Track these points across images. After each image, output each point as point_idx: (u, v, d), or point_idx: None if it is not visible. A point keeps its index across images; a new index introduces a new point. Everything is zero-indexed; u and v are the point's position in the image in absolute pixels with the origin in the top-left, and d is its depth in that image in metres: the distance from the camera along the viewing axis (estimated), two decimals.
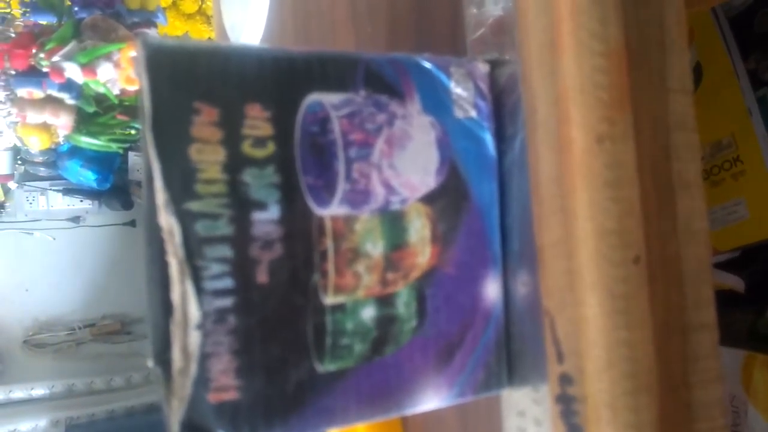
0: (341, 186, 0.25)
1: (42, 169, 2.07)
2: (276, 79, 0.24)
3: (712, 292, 0.27)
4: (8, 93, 0.88)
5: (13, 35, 0.88)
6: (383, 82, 0.27)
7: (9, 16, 1.15)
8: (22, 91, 0.87)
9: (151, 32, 1.07)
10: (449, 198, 0.27)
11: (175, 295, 0.23)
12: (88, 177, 2.01)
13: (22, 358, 2.21)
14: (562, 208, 0.24)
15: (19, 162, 1.95)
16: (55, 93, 0.87)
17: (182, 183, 0.23)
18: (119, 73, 0.88)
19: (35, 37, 0.88)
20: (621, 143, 0.23)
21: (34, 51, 0.86)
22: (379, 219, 0.26)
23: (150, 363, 0.28)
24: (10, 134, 0.97)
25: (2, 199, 2.18)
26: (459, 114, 0.28)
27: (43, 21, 1.13)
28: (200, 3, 1.65)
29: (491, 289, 0.28)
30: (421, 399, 0.27)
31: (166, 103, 0.23)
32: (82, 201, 2.27)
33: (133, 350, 2.31)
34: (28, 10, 1.12)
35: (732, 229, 0.68)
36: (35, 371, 2.19)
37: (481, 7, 0.31)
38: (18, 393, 2.13)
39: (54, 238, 2.28)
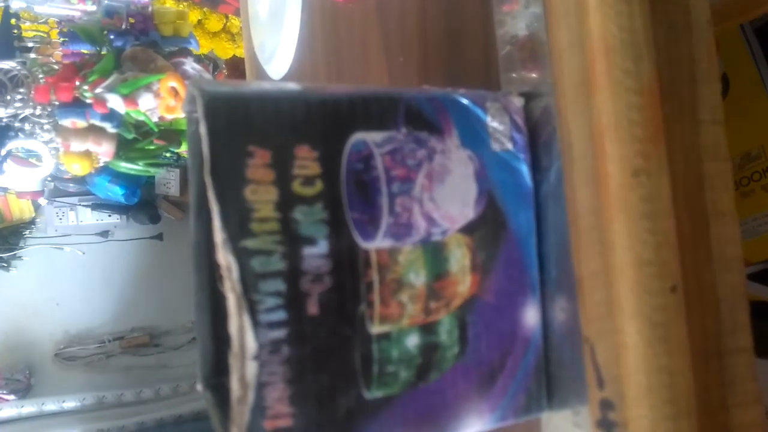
0: (385, 220, 0.27)
1: (71, 185, 2.12)
2: (323, 121, 0.26)
3: (747, 317, 0.27)
4: (52, 122, 0.91)
5: (56, 67, 0.91)
6: (423, 119, 0.28)
7: (46, 37, 1.18)
8: (66, 121, 0.90)
9: (188, 62, 1.10)
10: (488, 228, 0.28)
11: (233, 328, 0.24)
12: (116, 192, 2.05)
13: (54, 372, 2.25)
14: (600, 240, 0.25)
15: (49, 179, 1.99)
16: (97, 122, 0.90)
17: (239, 222, 0.24)
18: (159, 103, 0.91)
19: (78, 68, 0.91)
20: (656, 176, 0.24)
21: (77, 83, 0.89)
22: (421, 250, 0.27)
23: (199, 387, 0.29)
24: (52, 162, 1.00)
25: (33, 215, 2.23)
26: (496, 147, 0.29)
27: (81, 50, 1.16)
28: (225, 21, 1.67)
29: (530, 316, 0.29)
30: (464, 423, 0.28)
31: (223, 148, 0.24)
32: (110, 216, 2.31)
33: (162, 362, 2.34)
34: (66, 39, 1.16)
35: (763, 240, 0.68)
36: (66, 384, 2.22)
37: (503, 26, 0.32)
38: (50, 405, 2.16)
39: (83, 253, 2.32)
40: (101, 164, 1.00)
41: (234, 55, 1.82)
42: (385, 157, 0.27)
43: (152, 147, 1.02)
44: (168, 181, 2.18)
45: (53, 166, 1.06)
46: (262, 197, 0.24)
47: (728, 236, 0.27)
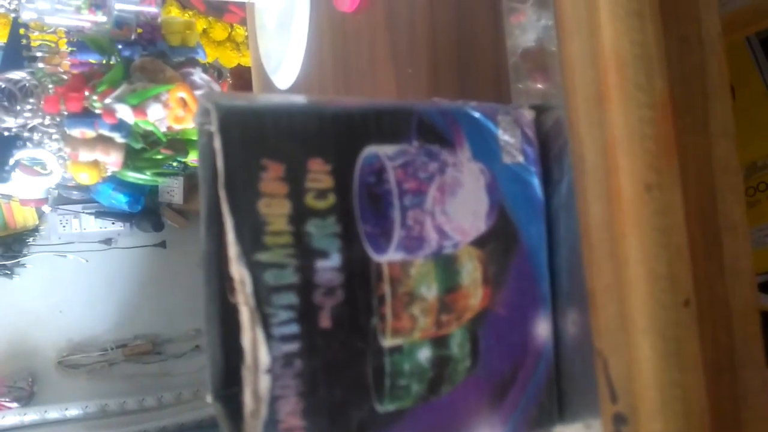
0: (397, 233, 0.27)
1: (75, 192, 2.12)
2: (336, 135, 0.26)
3: (758, 330, 0.27)
4: (61, 132, 0.91)
5: (65, 77, 0.92)
6: (435, 132, 0.28)
7: (54, 46, 1.19)
8: (75, 131, 0.90)
9: (196, 72, 1.11)
10: (499, 241, 0.28)
11: (246, 341, 0.24)
12: (119, 200, 2.05)
13: (57, 379, 2.24)
14: (612, 253, 0.25)
15: (53, 187, 2.00)
16: (106, 132, 0.91)
17: (253, 236, 0.24)
18: (168, 113, 0.92)
19: (86, 79, 0.92)
20: (669, 191, 0.24)
21: (86, 93, 0.90)
22: (433, 263, 0.27)
23: (209, 399, 0.29)
24: (60, 171, 1.01)
25: (37, 222, 2.23)
26: (507, 160, 0.29)
27: (89, 59, 1.17)
28: (230, 30, 1.68)
29: (541, 329, 0.29)
30: None
31: (237, 161, 0.24)
32: (114, 223, 2.31)
33: (165, 370, 2.34)
34: (75, 49, 1.16)
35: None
36: (69, 392, 2.22)
37: (513, 38, 0.33)
38: (53, 413, 2.16)
39: (87, 260, 2.32)
40: (109, 173, 1.01)
41: (239, 63, 1.83)
42: (397, 170, 0.27)
43: (160, 156, 1.02)
44: (171, 189, 2.19)
45: (61, 176, 1.06)
46: (275, 210, 0.24)
47: (740, 249, 0.27)
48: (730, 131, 0.28)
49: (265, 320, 0.24)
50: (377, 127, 0.27)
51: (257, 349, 0.24)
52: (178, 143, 1.00)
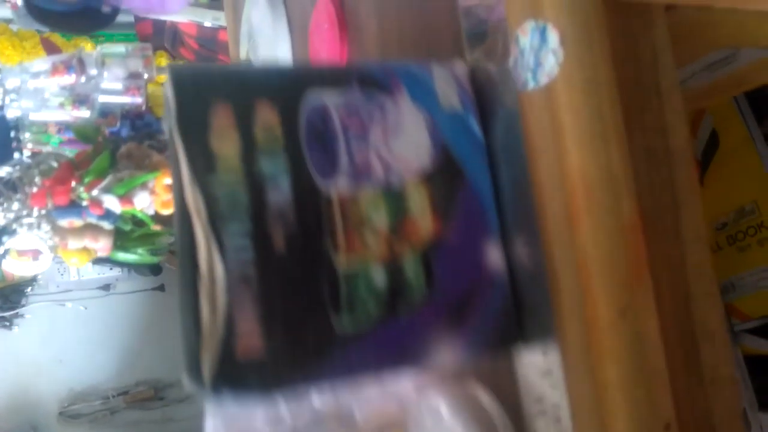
0: (343, 164, 0.29)
1: None
2: (280, 81, 0.29)
3: None
4: (49, 223, 0.92)
5: (54, 165, 0.93)
6: (374, 82, 0.30)
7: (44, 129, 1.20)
8: (63, 222, 0.91)
9: None
10: (444, 175, 0.30)
11: (202, 261, 0.26)
12: None
13: (59, 430, 2.22)
14: (593, 379, 0.25)
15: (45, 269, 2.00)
16: (94, 221, 0.91)
17: (205, 166, 0.26)
18: (154, 199, 0.92)
19: (74, 166, 0.93)
20: (643, 312, 0.24)
21: (74, 184, 0.90)
22: (382, 193, 0.29)
23: (184, 380, 0.29)
24: (50, 257, 1.02)
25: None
26: (445, 106, 0.31)
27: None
28: None
29: (493, 257, 0.30)
30: (438, 356, 0.29)
31: (188, 103, 0.27)
32: (111, 269, 2.31)
33: (167, 416, 2.32)
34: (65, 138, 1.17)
35: (762, 295, 0.68)
36: None
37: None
38: None
39: (85, 308, 2.31)
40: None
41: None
42: (340, 111, 0.29)
43: (151, 232, 1.03)
44: None
45: (51, 261, 1.07)
46: (225, 145, 0.27)
47: (719, 356, 0.27)
48: (702, 237, 0.28)
49: (219, 241, 0.26)
50: (319, 76, 0.30)
51: (213, 266, 0.25)
52: (167, 218, 1.01)
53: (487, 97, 0.32)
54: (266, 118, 0.28)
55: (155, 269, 2.35)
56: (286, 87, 0.29)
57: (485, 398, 0.30)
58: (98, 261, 2.33)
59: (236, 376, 0.25)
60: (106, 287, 2.41)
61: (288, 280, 0.27)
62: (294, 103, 0.28)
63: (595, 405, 0.25)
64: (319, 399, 0.32)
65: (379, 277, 0.28)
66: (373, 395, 0.32)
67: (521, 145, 0.28)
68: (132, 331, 2.40)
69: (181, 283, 0.28)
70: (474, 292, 0.30)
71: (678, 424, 0.24)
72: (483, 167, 0.31)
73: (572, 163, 0.25)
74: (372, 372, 0.28)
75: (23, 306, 2.28)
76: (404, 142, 0.30)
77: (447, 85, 0.31)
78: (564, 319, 0.26)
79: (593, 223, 0.25)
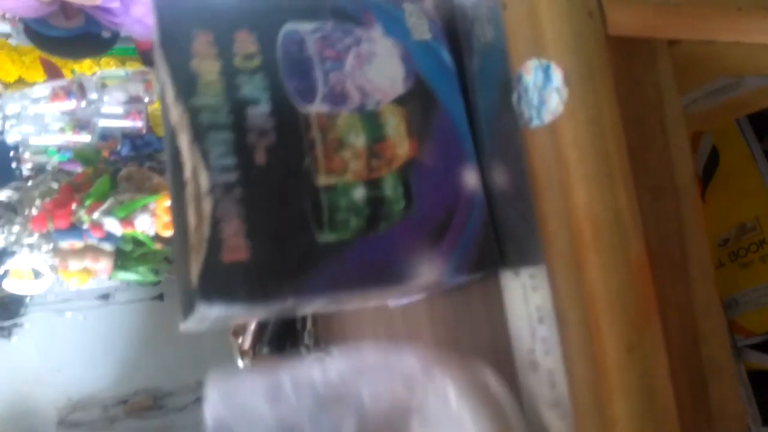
0: (320, 88, 0.30)
1: None
2: (258, 11, 0.31)
3: None
4: (50, 245, 0.93)
5: (54, 186, 0.93)
6: (347, 15, 0.32)
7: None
8: (64, 244, 0.91)
9: None
10: (418, 101, 0.32)
11: (187, 172, 0.27)
12: None
13: None
14: (601, 414, 0.25)
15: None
16: (95, 243, 0.92)
17: (187, 84, 0.28)
18: (155, 221, 0.93)
19: (74, 189, 0.93)
20: (651, 350, 0.24)
21: (74, 206, 0.91)
22: (358, 116, 0.31)
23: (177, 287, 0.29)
24: (51, 277, 1.02)
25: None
26: (416, 36, 0.33)
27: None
28: None
29: (469, 179, 0.32)
30: (417, 272, 0.30)
31: (170, 28, 0.29)
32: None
33: (167, 424, 2.31)
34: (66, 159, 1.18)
35: (766, 310, 0.68)
36: None
37: None
38: None
39: (84, 317, 2.30)
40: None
41: None
42: (316, 41, 0.31)
43: (151, 252, 1.03)
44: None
45: (51, 281, 1.07)
46: (206, 67, 0.29)
47: (727, 393, 0.27)
48: (709, 274, 0.28)
49: (203, 152, 0.27)
50: (294, 7, 0.31)
51: (198, 175, 0.27)
52: (168, 238, 1.01)
53: (461, 31, 0.33)
54: (245, 46, 0.30)
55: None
56: (263, 18, 0.31)
57: (494, 384, 0.30)
58: None
59: (223, 280, 0.26)
60: (105, 297, 2.41)
61: (271, 191, 0.28)
62: (272, 33, 0.30)
63: None
64: (322, 379, 0.32)
65: (358, 193, 0.30)
66: (379, 377, 0.32)
67: (497, 78, 0.30)
68: (131, 340, 2.39)
69: (173, 198, 0.30)
70: (452, 211, 0.31)
71: None
72: (454, 93, 0.33)
73: (578, 201, 0.25)
74: (356, 287, 0.29)
75: (22, 315, 2.27)
76: (378, 69, 0.32)
77: (417, 17, 0.33)
78: (572, 354, 0.26)
79: (601, 261, 0.25)
